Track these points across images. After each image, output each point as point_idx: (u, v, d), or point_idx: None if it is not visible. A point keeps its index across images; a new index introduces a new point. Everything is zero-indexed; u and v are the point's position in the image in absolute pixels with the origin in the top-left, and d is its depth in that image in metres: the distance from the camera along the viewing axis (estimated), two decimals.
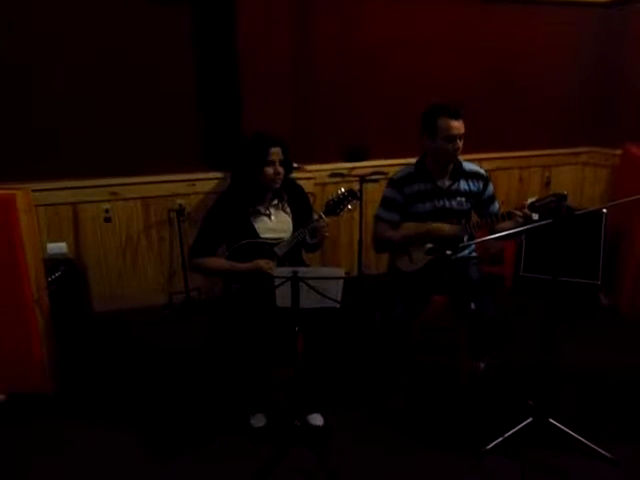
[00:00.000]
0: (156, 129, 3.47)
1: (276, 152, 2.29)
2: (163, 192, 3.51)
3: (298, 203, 2.47)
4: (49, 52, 3.18)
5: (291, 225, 2.41)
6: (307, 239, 2.35)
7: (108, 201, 3.42)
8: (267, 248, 2.33)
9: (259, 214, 2.38)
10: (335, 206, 2.31)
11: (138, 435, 2.30)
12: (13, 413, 2.47)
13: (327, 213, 2.30)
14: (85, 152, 3.36)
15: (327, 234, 2.33)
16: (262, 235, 2.36)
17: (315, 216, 2.31)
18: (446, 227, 2.48)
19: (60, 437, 2.30)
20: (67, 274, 3.07)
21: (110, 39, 3.26)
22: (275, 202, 2.42)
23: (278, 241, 2.35)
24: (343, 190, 2.32)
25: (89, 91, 3.30)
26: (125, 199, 3.45)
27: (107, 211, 3.43)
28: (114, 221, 3.47)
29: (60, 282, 2.94)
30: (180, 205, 3.52)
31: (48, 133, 3.28)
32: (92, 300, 3.53)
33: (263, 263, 2.25)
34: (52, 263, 3.00)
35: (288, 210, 2.44)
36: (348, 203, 2.30)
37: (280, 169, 2.31)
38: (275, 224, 2.39)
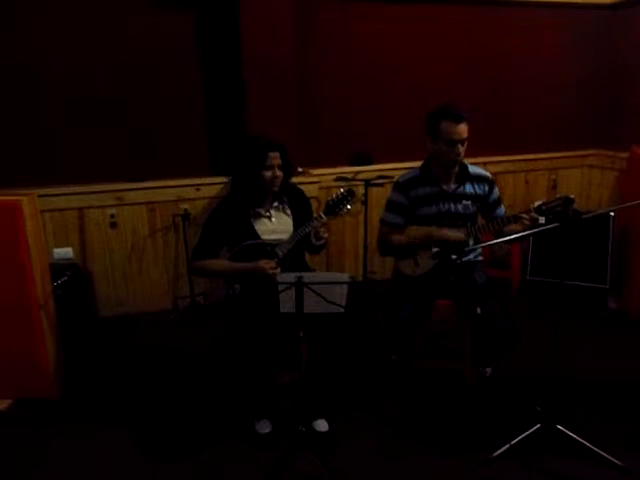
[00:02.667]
0: (161, 134, 3.49)
1: (275, 156, 2.30)
2: (168, 197, 3.52)
3: (299, 205, 2.48)
4: (55, 57, 3.20)
5: (292, 227, 2.42)
6: (312, 240, 2.35)
7: (114, 206, 3.44)
8: (268, 249, 2.33)
9: (260, 216, 2.39)
10: (334, 206, 2.30)
11: (143, 440, 2.30)
12: (18, 418, 2.48)
13: (327, 213, 2.30)
14: (91, 158, 3.38)
15: (326, 234, 2.31)
16: (263, 237, 2.36)
17: (315, 216, 2.30)
18: (449, 233, 2.46)
19: (65, 442, 2.30)
20: (73, 279, 3.09)
21: (116, 45, 3.29)
22: (276, 204, 2.42)
23: (279, 242, 2.35)
24: (342, 190, 2.32)
25: (95, 97, 3.32)
26: (130, 204, 3.47)
27: (113, 216, 3.45)
28: (119, 226, 3.48)
29: (66, 287, 2.95)
30: (185, 210, 3.52)
31: (54, 139, 3.31)
32: (98, 305, 3.54)
33: (263, 263, 2.25)
34: (58, 268, 3.01)
35: (289, 212, 2.45)
36: (347, 203, 2.30)
37: (279, 173, 2.32)
38: (276, 226, 2.40)
